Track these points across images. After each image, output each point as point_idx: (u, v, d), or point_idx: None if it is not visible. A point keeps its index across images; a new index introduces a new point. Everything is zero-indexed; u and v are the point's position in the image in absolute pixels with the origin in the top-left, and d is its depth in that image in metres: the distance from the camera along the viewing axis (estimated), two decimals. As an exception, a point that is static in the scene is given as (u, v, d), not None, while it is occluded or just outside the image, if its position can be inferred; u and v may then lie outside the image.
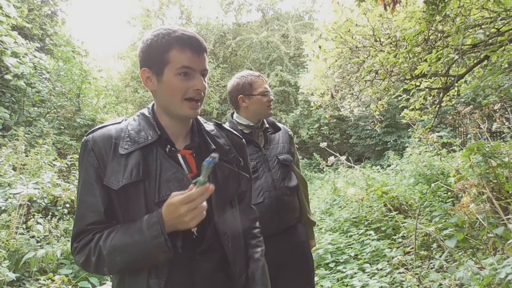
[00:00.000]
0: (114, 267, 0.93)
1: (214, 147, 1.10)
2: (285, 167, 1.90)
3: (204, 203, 0.91)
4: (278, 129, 2.00)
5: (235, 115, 1.94)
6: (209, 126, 1.18)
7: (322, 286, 3.15)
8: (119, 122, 1.06)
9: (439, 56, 2.81)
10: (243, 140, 1.26)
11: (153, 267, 0.96)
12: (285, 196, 1.85)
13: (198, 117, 1.15)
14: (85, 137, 1.01)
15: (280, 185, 1.84)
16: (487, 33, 2.62)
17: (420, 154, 5.47)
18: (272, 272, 1.79)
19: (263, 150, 1.90)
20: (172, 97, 1.00)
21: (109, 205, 0.96)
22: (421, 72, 2.96)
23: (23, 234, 3.29)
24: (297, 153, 2.15)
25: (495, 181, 2.86)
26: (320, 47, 3.86)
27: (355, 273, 3.18)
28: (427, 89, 3.84)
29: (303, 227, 1.99)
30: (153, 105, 1.10)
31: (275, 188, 1.83)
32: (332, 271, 3.46)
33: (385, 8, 2.77)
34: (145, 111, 1.09)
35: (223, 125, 1.24)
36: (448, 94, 3.85)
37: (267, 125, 1.96)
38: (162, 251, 0.91)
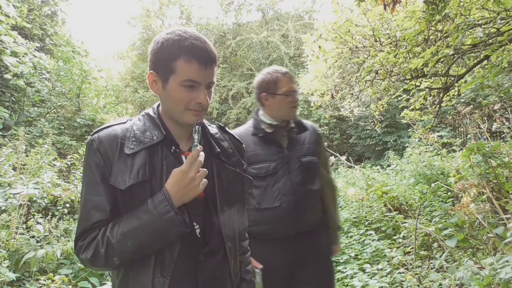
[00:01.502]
0: (125, 254, 0.93)
1: (218, 150, 1.11)
2: (308, 170, 1.77)
3: (206, 171, 0.95)
4: (305, 128, 1.85)
5: (260, 111, 1.85)
6: (213, 129, 1.18)
7: (322, 286, 3.15)
8: (124, 122, 1.05)
9: (434, 52, 2.81)
10: (243, 145, 1.27)
11: (159, 265, 0.96)
12: (304, 200, 1.73)
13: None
14: (90, 137, 1.01)
15: (299, 189, 1.72)
16: (486, 31, 2.62)
17: (420, 154, 5.47)
18: (289, 273, 1.73)
19: (285, 151, 1.78)
20: (175, 105, 1.00)
21: (114, 204, 0.96)
22: (416, 68, 2.95)
23: (23, 234, 3.29)
24: (326, 153, 2.00)
25: (495, 181, 2.86)
26: (320, 47, 3.86)
27: (355, 273, 3.18)
28: (427, 89, 3.84)
29: (326, 231, 1.87)
30: (158, 105, 1.10)
31: (293, 192, 1.71)
32: (332, 271, 3.46)
33: (385, 8, 2.77)
34: (150, 111, 1.09)
35: (226, 128, 1.24)
36: (448, 94, 3.85)
37: (292, 125, 1.83)
38: (174, 226, 0.92)
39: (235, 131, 1.87)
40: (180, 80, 0.96)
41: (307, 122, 1.92)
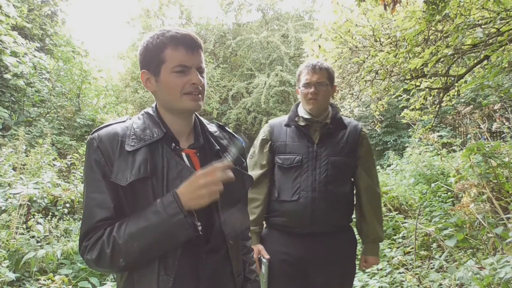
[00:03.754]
0: (131, 255, 0.91)
1: (218, 147, 1.11)
2: (336, 170, 1.70)
3: (221, 184, 0.93)
4: (343, 126, 1.79)
5: (300, 104, 1.85)
6: (212, 127, 1.18)
7: (322, 286, 3.14)
8: (124, 121, 1.06)
9: (434, 52, 2.81)
10: (243, 144, 1.27)
11: (162, 264, 0.96)
12: (324, 200, 1.67)
13: (201, 118, 1.16)
14: (90, 135, 1.01)
15: (321, 188, 1.68)
16: (486, 31, 2.62)
17: (420, 154, 5.48)
18: (303, 271, 1.70)
19: (315, 146, 1.73)
20: (171, 94, 1.01)
21: (117, 202, 0.96)
22: (415, 68, 2.95)
23: (23, 234, 3.29)
24: (372, 156, 1.88)
25: (495, 181, 2.86)
26: (320, 47, 3.85)
27: (355, 273, 3.18)
28: (427, 89, 3.83)
29: (352, 236, 1.82)
30: (156, 104, 1.11)
31: (313, 189, 1.68)
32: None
33: (385, 8, 2.77)
34: (149, 110, 1.10)
35: (225, 127, 1.25)
36: (448, 94, 3.85)
37: (327, 120, 1.77)
38: (183, 229, 0.90)
39: (273, 121, 1.90)
40: (171, 67, 0.99)
41: (352, 121, 1.85)
